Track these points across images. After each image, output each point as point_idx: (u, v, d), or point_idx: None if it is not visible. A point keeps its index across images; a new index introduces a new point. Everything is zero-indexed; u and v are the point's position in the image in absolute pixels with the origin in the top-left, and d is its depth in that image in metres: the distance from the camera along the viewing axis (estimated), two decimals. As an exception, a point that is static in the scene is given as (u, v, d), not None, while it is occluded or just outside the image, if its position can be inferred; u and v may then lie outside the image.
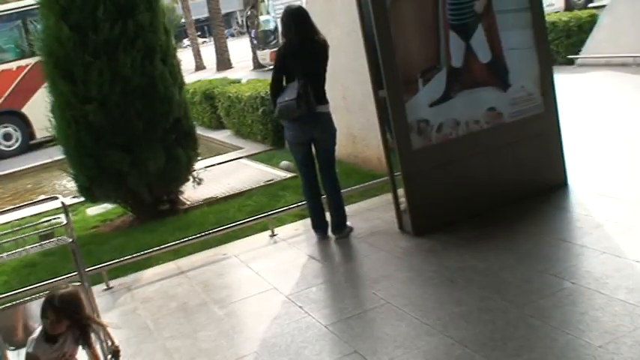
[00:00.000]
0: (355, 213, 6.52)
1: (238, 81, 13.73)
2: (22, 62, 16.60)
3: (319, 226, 6.09)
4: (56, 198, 4.13)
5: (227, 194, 8.35)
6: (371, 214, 6.47)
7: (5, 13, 17.88)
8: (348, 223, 6.10)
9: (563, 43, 13.01)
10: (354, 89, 7.99)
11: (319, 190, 6.06)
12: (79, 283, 4.11)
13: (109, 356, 3.71)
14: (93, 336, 3.65)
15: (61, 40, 7.30)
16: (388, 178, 5.98)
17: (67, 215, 4.02)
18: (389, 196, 6.08)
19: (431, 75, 5.61)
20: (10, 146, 17.57)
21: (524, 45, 5.94)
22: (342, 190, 6.17)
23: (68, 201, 8.70)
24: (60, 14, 7.27)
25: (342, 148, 8.55)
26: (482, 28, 5.73)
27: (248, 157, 10.48)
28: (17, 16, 17.07)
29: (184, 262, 6.24)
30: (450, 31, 5.61)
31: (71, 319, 3.49)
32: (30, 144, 17.37)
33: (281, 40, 5.38)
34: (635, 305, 3.86)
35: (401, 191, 5.81)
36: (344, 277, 5.34)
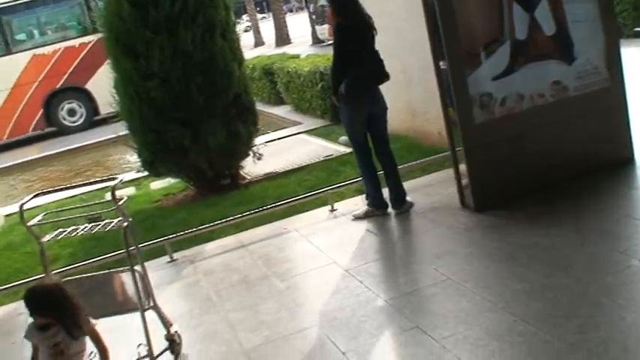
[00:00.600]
0: (416, 188, 6.47)
1: (297, 56, 13.71)
2: (85, 39, 16.88)
3: (381, 204, 6.07)
4: (114, 178, 4.15)
5: (287, 169, 8.39)
6: (432, 190, 6.42)
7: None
8: (408, 198, 6.07)
9: (630, 15, 12.60)
10: (412, 63, 7.89)
11: (376, 167, 6.04)
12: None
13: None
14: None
15: (121, 17, 7.39)
16: (449, 153, 5.91)
17: (114, 198, 3.99)
18: (450, 172, 6.01)
19: (494, 48, 5.51)
20: (74, 122, 17.99)
21: (589, 17, 5.76)
22: (402, 166, 6.11)
23: (132, 175, 8.93)
24: (121, -11, 7.35)
25: (401, 122, 8.53)
26: (546, -1, 5.58)
27: (307, 132, 10.49)
28: (79, -7, 17.40)
29: (246, 235, 6.30)
30: (513, 2, 5.48)
31: (49, 314, 3.34)
32: (94, 120, 17.73)
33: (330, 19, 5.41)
34: None
35: (462, 166, 5.74)
36: (404, 252, 5.33)
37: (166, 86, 7.42)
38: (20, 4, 18.17)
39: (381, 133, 6.04)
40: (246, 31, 30.10)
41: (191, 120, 7.52)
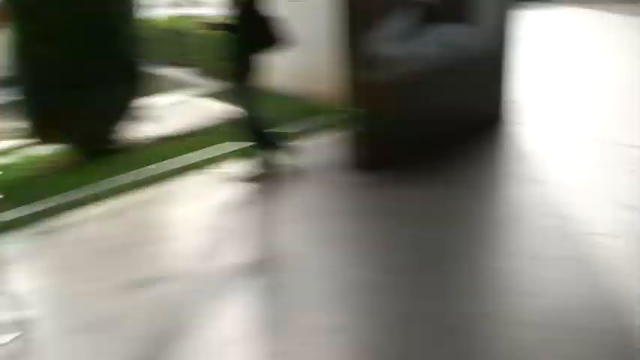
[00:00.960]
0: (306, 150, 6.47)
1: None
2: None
3: None
4: None
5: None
6: (321, 151, 6.43)
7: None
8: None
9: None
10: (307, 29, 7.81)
11: None
12: None
13: None
14: None
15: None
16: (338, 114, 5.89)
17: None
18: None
19: (396, 10, 5.48)
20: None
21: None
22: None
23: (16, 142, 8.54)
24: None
25: (297, 87, 8.47)
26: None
27: (208, 95, 10.28)
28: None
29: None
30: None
31: None
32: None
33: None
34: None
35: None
36: (281, 210, 5.29)
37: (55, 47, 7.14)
38: None
39: None
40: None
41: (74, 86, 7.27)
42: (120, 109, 7.72)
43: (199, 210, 5.55)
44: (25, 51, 7.26)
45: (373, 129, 5.64)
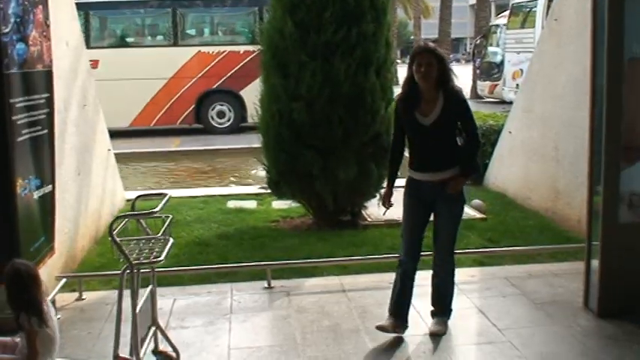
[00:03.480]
0: (540, 275, 6.00)
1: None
2: (250, 47, 17.18)
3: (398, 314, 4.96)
4: (165, 195, 4.10)
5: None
6: (556, 280, 5.91)
7: (246, -1, 18.90)
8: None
9: None
10: (567, 141, 7.42)
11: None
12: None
13: None
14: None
15: (283, 34, 7.37)
16: (585, 246, 5.41)
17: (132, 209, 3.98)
18: (580, 265, 5.50)
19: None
20: (221, 124, 18.47)
21: None
22: (531, 247, 5.59)
23: (256, 189, 8.88)
24: (288, 9, 7.33)
25: (542, 200, 8.04)
26: None
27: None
28: (255, 3, 17.82)
29: (348, 280, 6.04)
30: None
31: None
32: (241, 125, 18.10)
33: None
34: None
35: (595, 263, 5.23)
36: (510, 341, 4.87)
37: (309, 111, 7.32)
38: (198, 0, 18.96)
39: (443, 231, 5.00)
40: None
41: (325, 149, 7.37)
42: (368, 184, 7.71)
43: (421, 310, 5.26)
44: (275, 105, 7.52)
45: (619, 274, 5.09)
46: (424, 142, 4.76)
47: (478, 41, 27.83)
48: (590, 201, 5.31)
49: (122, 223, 4.01)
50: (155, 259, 3.86)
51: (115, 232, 3.69)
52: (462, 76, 28.06)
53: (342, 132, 7.32)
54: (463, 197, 4.92)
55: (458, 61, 62.77)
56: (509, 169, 9.16)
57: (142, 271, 3.99)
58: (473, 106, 16.14)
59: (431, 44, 4.93)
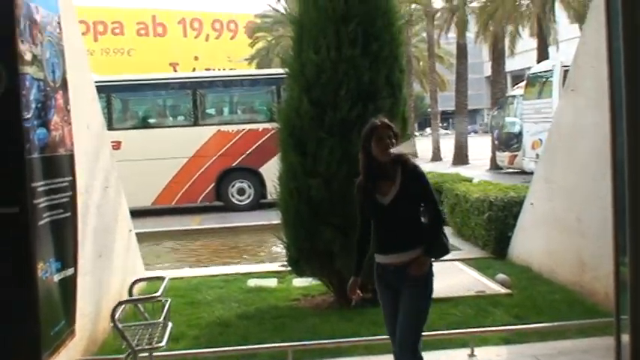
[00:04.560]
0: (568, 352, 5.82)
1: (469, 180, 13.32)
2: (269, 125, 17.40)
3: None
4: (163, 278, 4.05)
5: (434, 297, 7.88)
6: (586, 357, 5.74)
7: (264, 77, 19.25)
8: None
9: None
10: (591, 212, 7.31)
11: None
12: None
13: None
14: None
15: (299, 113, 7.43)
16: (613, 320, 5.25)
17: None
18: (611, 340, 5.32)
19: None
20: (241, 201, 18.57)
21: None
22: (559, 323, 5.43)
23: (276, 267, 8.81)
24: (304, 88, 7.41)
25: (568, 273, 7.89)
26: None
27: (463, 260, 9.98)
28: (273, 82, 18.11)
29: (373, 360, 5.91)
30: None
31: None
32: (260, 202, 18.16)
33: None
34: None
35: (626, 338, 5.06)
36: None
37: (328, 187, 7.30)
38: (218, 80, 19.36)
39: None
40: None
41: (345, 226, 7.31)
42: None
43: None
44: (293, 183, 7.52)
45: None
46: (384, 221, 4.55)
47: (495, 112, 28.00)
48: (617, 273, 5.18)
49: (120, 309, 3.96)
50: (156, 345, 3.80)
51: (117, 318, 3.64)
52: (481, 146, 28.28)
53: (362, 208, 7.28)
54: (429, 285, 4.62)
55: (476, 132, 63.06)
56: (532, 241, 9.03)
57: (154, 354, 3.91)
58: (491, 177, 16.18)
59: (386, 120, 4.72)
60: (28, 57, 4.77)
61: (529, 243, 9.15)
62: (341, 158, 7.25)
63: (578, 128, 7.66)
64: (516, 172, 23.33)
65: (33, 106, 4.82)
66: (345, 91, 7.24)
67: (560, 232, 8.21)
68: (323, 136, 7.32)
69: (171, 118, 19.89)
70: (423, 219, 4.60)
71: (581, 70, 7.64)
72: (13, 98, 4.61)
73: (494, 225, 9.92)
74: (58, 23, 5.39)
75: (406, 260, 4.48)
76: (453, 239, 11.56)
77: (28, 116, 4.73)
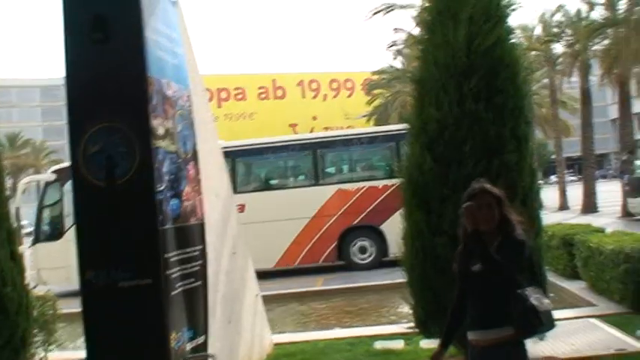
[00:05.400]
0: None
1: (602, 230, 12.72)
2: (388, 181, 17.28)
3: None
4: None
5: (569, 356, 7.51)
6: None
7: (382, 134, 19.31)
8: None
9: None
10: None
11: None
12: None
13: None
14: None
15: (422, 170, 7.34)
16: None
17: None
18: None
19: None
20: (363, 259, 18.47)
21: None
22: None
23: (403, 329, 8.63)
24: (426, 144, 7.34)
25: None
26: None
27: (600, 317, 9.46)
28: (392, 138, 18.13)
29: None
30: None
31: None
32: (382, 260, 17.99)
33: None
34: None
35: None
36: None
37: (454, 246, 7.08)
38: (337, 139, 19.57)
39: None
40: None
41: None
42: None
43: None
44: (418, 242, 7.37)
45: None
46: (474, 292, 4.30)
47: (625, 157, 26.82)
48: None
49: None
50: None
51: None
52: (610, 193, 27.17)
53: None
54: None
55: (604, 177, 60.61)
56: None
57: None
58: (624, 225, 15.47)
59: (487, 184, 4.50)
60: (160, 131, 4.97)
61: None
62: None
63: None
64: (650, 219, 22.16)
65: (166, 178, 4.99)
66: (469, 147, 7.11)
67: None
68: (447, 193, 7.18)
69: (292, 179, 20.20)
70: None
71: None
72: (147, 171, 4.79)
73: (632, 277, 9.39)
74: (189, 97, 5.61)
75: (493, 339, 4.13)
76: (586, 294, 11.05)
77: (161, 188, 4.90)
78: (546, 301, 4.39)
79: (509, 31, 7.62)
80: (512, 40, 7.65)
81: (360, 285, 15.25)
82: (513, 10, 7.60)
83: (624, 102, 30.49)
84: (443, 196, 7.20)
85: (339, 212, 18.24)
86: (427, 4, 8.00)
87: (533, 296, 4.25)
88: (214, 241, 6.37)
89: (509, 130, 7.26)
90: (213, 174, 6.74)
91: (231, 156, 17.57)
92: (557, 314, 9.08)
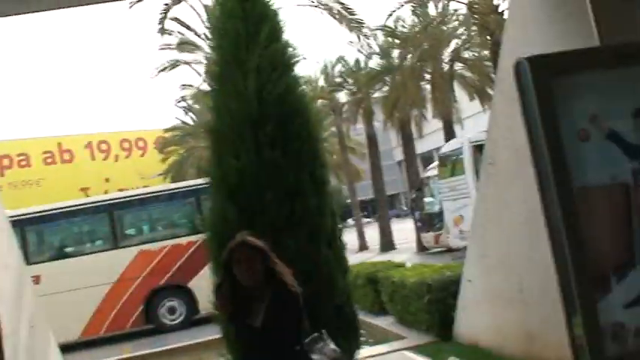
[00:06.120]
0: None
1: (402, 265, 13.30)
2: (193, 238, 17.01)
3: None
4: None
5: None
6: None
7: (181, 190, 19.01)
8: None
9: None
10: (531, 281, 7.32)
11: None
12: None
13: None
14: None
15: (226, 220, 7.24)
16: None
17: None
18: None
19: (625, 271, 4.90)
20: (173, 320, 17.87)
21: None
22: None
23: None
24: (227, 195, 7.27)
25: (516, 346, 7.80)
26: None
27: (411, 348, 9.79)
28: (191, 193, 17.91)
29: None
30: (645, 222, 4.94)
31: None
32: (193, 319, 17.56)
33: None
34: None
35: (591, 405, 4.95)
36: None
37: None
38: (133, 199, 18.98)
39: None
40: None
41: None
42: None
43: None
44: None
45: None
46: (254, 348, 4.27)
47: (414, 195, 28.42)
48: (572, 338, 5.10)
49: None
50: None
51: None
52: (404, 230, 28.51)
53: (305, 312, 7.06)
54: None
55: (398, 216, 63.82)
56: (476, 318, 8.95)
57: None
58: (421, 259, 16.27)
59: (248, 237, 4.44)
60: None
61: (473, 320, 9.06)
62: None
63: (502, 200, 7.75)
64: (443, 251, 23.53)
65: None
66: (270, 194, 7.13)
67: (502, 305, 8.17)
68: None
69: (89, 244, 19.18)
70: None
71: (497, 143, 7.81)
72: None
73: (436, 307, 9.82)
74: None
75: None
76: (395, 328, 11.42)
77: None
78: (331, 347, 4.36)
79: (297, 79, 7.82)
80: (301, 88, 7.87)
81: (171, 347, 14.70)
82: (297, 61, 7.82)
83: (407, 143, 32.48)
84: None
85: (144, 274, 17.57)
86: (214, 56, 8.04)
87: (316, 347, 4.24)
88: (8, 313, 5.85)
89: (308, 175, 7.39)
90: (0, 244, 6.23)
91: (20, 225, 16.44)
92: (370, 351, 9.37)
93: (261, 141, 7.21)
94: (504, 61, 7.09)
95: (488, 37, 23.97)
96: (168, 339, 15.98)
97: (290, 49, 7.68)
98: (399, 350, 9.76)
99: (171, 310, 17.91)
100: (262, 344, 4.12)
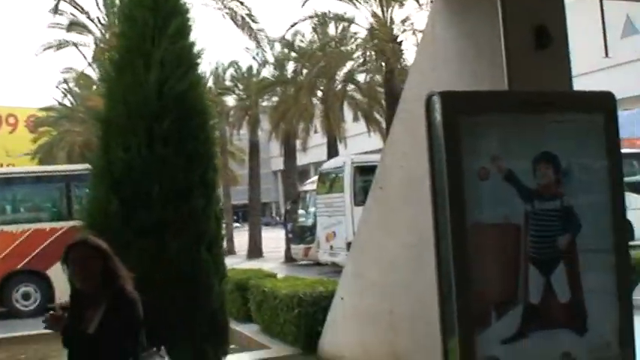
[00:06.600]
0: None
1: (274, 275, 13.29)
2: (57, 224, 16.38)
3: None
4: None
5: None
6: None
7: (48, 174, 18.24)
8: None
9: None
10: (404, 305, 7.48)
11: None
12: None
13: None
14: None
15: (107, 212, 6.99)
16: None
17: None
18: None
19: (506, 308, 5.09)
20: (27, 306, 17.08)
21: (605, 289, 5.44)
22: None
23: None
24: (111, 186, 7.02)
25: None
26: (563, 265, 5.27)
27: (274, 359, 9.79)
28: (61, 179, 17.23)
29: None
30: (529, 263, 5.16)
31: None
32: (48, 307, 16.83)
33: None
34: None
35: None
36: None
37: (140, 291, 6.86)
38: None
39: None
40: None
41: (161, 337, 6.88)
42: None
43: None
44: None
45: None
46: (81, 357, 4.03)
47: (289, 206, 28.56)
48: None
49: None
50: None
51: None
52: (273, 239, 28.57)
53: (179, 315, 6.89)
54: None
55: (268, 224, 63.94)
56: (344, 335, 9.05)
57: None
58: (287, 269, 16.36)
59: (89, 237, 4.24)
60: None
61: (341, 337, 9.16)
62: (152, 262, 6.87)
63: (388, 225, 7.88)
64: (311, 264, 23.74)
65: None
66: (157, 191, 6.95)
67: (372, 325, 8.29)
68: (131, 239, 6.91)
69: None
70: None
71: (390, 169, 7.94)
72: None
73: (304, 320, 9.85)
74: None
75: None
76: (260, 337, 11.38)
77: None
78: None
79: (200, 78, 7.71)
80: (203, 88, 7.75)
81: (22, 334, 13.98)
82: (202, 60, 7.70)
83: (290, 155, 32.64)
84: (127, 240, 6.91)
85: (0, 256, 16.71)
86: (116, 43, 7.80)
87: None
88: None
89: (199, 177, 7.26)
90: None
91: None
92: (235, 358, 9.27)
93: (155, 136, 7.03)
94: (409, 92, 7.24)
95: (383, 64, 24.53)
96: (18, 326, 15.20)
97: (197, 47, 7.57)
98: (264, 359, 9.74)
99: (26, 296, 17.11)
100: (92, 353, 3.86)
